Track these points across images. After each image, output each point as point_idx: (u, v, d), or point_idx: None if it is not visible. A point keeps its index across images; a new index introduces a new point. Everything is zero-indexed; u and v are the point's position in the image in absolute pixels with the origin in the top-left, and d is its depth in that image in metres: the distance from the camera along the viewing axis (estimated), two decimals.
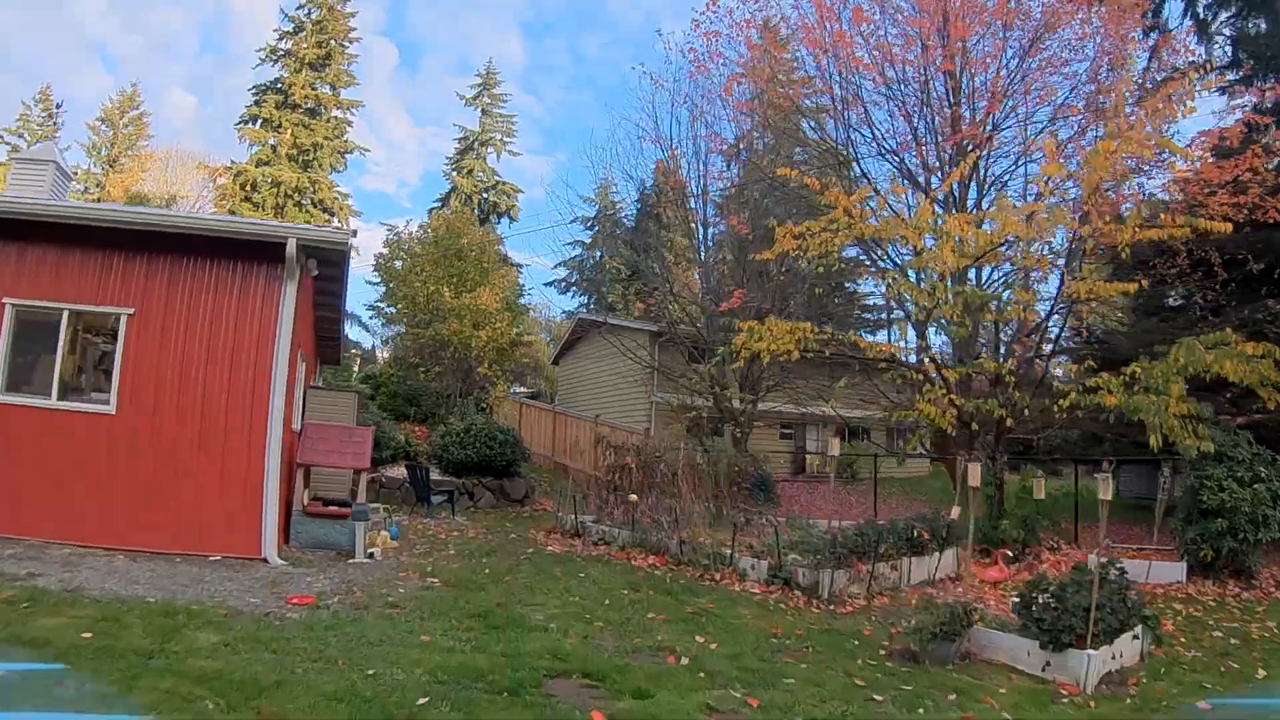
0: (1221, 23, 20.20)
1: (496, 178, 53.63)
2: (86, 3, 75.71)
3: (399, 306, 27.53)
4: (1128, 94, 16.56)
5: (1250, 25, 19.75)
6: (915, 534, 12.34)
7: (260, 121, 46.20)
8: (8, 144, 44.22)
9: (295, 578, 10.14)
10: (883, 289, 23.92)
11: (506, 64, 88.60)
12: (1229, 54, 19.94)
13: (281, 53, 47.19)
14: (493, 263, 28.61)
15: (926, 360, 15.76)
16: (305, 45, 47.03)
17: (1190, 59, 18.68)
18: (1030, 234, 14.06)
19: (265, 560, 10.88)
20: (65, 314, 11.31)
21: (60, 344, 11.24)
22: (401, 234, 28.20)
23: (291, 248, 11.20)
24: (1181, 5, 20.30)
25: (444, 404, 24.92)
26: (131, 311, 11.33)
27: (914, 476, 32.84)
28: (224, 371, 11.42)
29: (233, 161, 45.70)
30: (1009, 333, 18.91)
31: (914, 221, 15.10)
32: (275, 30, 48.10)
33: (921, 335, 15.82)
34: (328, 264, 14.00)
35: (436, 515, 18.54)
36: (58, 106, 48.18)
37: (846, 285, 33.39)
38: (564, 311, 56.10)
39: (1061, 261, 16.26)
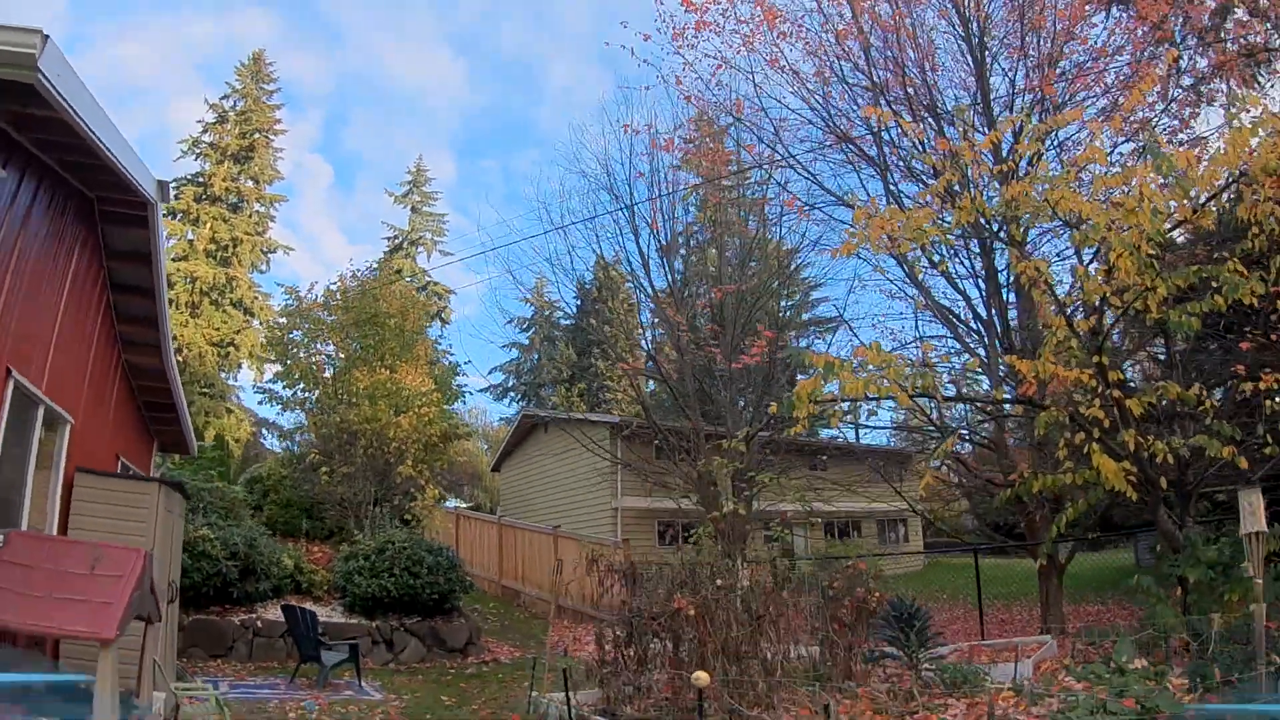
0: None
1: (427, 278, 46.34)
2: None
3: (297, 389, 19.56)
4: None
5: None
6: None
7: (179, 215, 38.67)
8: None
9: None
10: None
11: (442, 184, 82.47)
12: None
13: (204, 144, 40.25)
14: (418, 329, 20.94)
15: (1102, 389, 8.35)
16: (228, 136, 40.23)
17: None
18: None
19: None
20: None
21: None
22: (304, 299, 20.33)
23: None
24: None
25: (354, 515, 16.98)
26: None
27: (909, 573, 26.80)
28: None
29: None
30: None
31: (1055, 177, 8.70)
32: (199, 122, 41.22)
33: (1099, 351, 8.34)
34: (121, 221, 7.09)
35: (332, 682, 10.85)
36: None
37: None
38: (502, 418, 48.52)
39: None
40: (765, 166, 15.66)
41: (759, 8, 13.13)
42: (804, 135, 14.25)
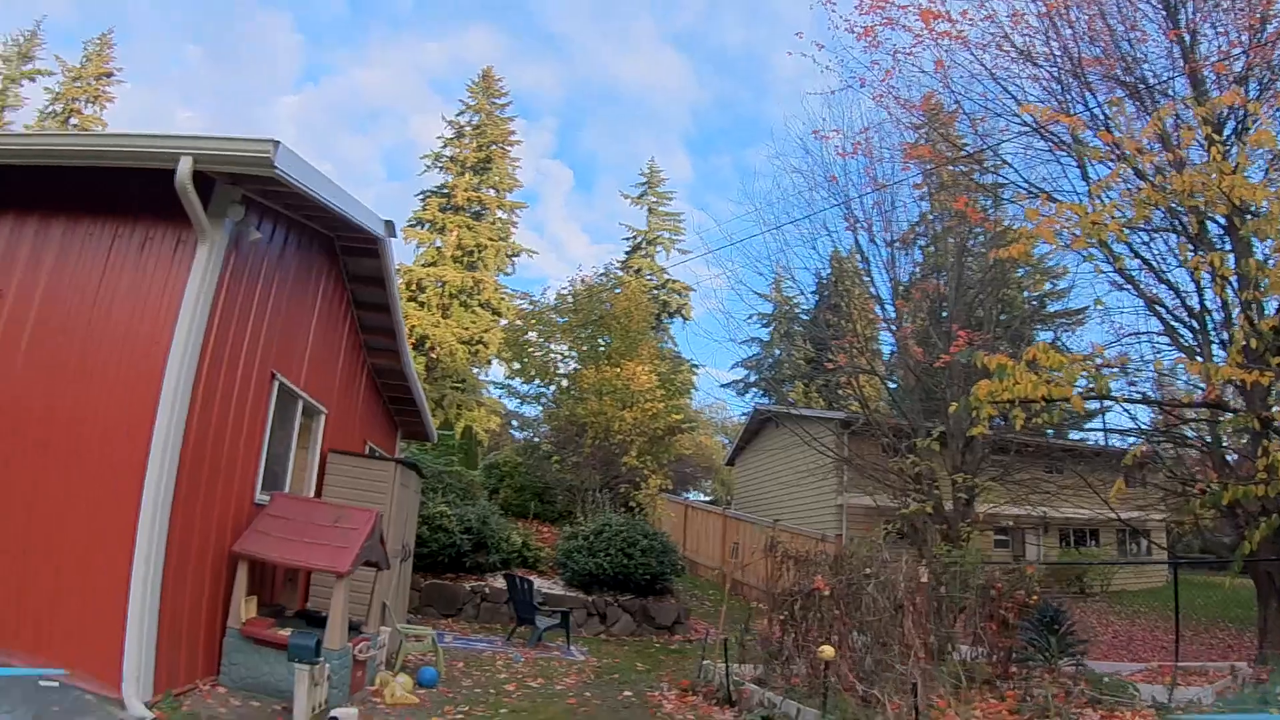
0: None
1: (666, 276, 48.92)
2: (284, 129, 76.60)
3: (533, 384, 22.39)
4: None
5: None
6: None
7: (426, 225, 43.54)
8: None
9: None
10: None
11: (678, 182, 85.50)
12: None
13: (445, 158, 45.13)
14: (643, 330, 23.02)
15: None
16: (466, 150, 44.95)
17: None
18: None
19: (123, 704, 5.72)
20: None
21: None
22: (537, 302, 23.15)
23: (185, 170, 5.98)
24: None
25: (580, 500, 19.25)
26: None
27: (1150, 588, 25.74)
28: (94, 387, 6.44)
29: (400, 264, 42.92)
30: None
31: None
32: (439, 138, 46.26)
33: None
34: (357, 253, 9.32)
35: (545, 644, 12.88)
36: None
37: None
38: (743, 414, 50.29)
39: None
40: (983, 153, 16.03)
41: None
42: (1000, 126, 14.60)
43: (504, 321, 42.95)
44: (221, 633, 7.16)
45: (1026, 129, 14.27)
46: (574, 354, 22.28)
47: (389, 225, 9.48)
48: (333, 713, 6.54)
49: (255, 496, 7.90)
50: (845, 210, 17.89)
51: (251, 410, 7.60)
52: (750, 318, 47.84)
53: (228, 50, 75.37)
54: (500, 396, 37.90)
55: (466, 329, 41.35)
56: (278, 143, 6.00)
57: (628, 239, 50.79)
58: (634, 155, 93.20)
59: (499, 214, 44.77)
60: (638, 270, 48.40)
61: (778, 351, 49.06)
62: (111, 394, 6.29)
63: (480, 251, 43.19)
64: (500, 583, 15.01)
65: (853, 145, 16.42)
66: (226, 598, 7.25)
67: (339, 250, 9.77)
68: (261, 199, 7.15)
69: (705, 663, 10.41)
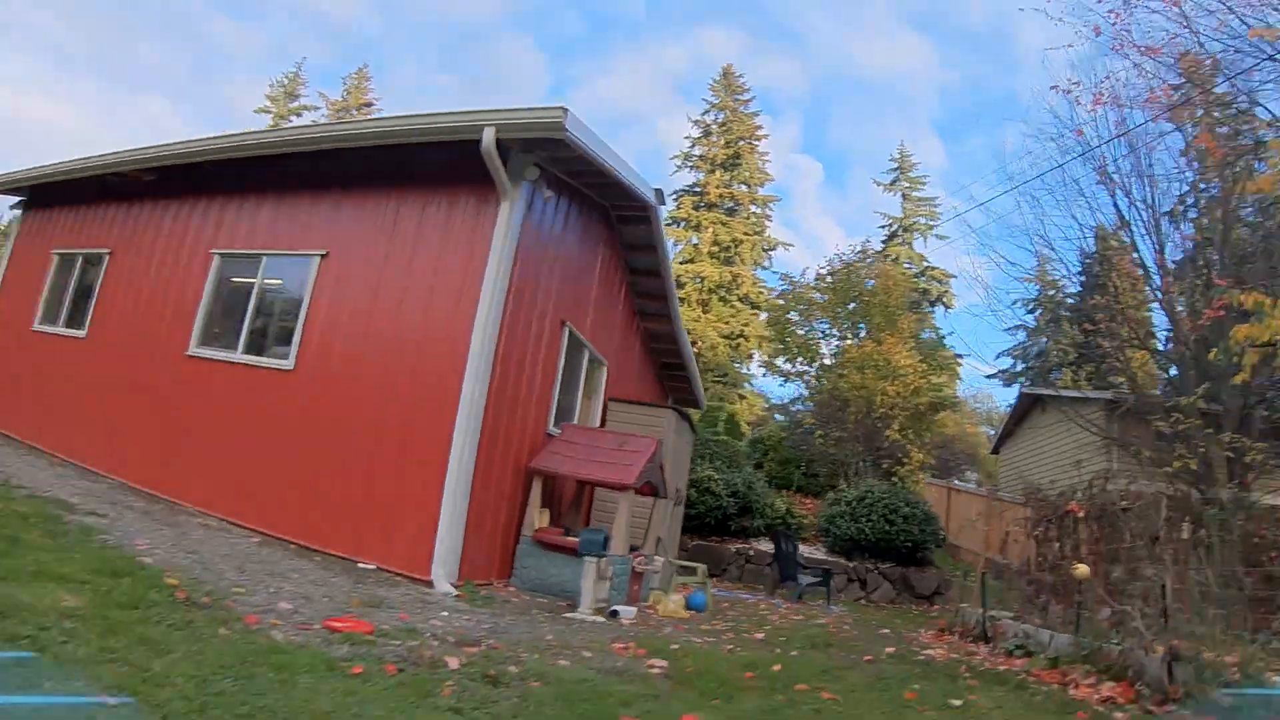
0: None
1: (925, 263, 47.90)
2: None
3: (796, 362, 23.13)
4: None
5: None
6: None
7: (681, 223, 45.13)
8: None
9: (433, 609, 6.20)
10: None
11: (930, 167, 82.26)
12: None
13: (695, 157, 46.64)
14: (901, 305, 23.15)
15: None
16: (714, 148, 46.21)
17: None
18: None
19: (430, 584, 7.05)
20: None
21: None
22: (796, 284, 23.91)
23: (489, 139, 7.15)
24: None
25: (843, 473, 19.67)
26: (324, 253, 8.52)
27: None
28: (408, 329, 7.94)
29: None
30: None
31: None
32: (686, 138, 47.78)
33: None
34: (630, 220, 10.49)
35: (805, 601, 13.45)
36: None
37: None
38: (1007, 405, 48.51)
39: None
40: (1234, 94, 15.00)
41: None
42: (1249, 66, 13.73)
43: (764, 315, 43.87)
44: (515, 541, 8.40)
45: (1268, 58, 13.35)
46: (834, 331, 22.85)
47: (659, 193, 10.48)
48: (614, 606, 7.52)
49: (548, 427, 9.14)
50: (1098, 169, 17.20)
51: (546, 350, 8.82)
52: (1015, 303, 46.03)
53: (476, 75, 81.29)
54: (764, 375, 38.84)
55: (726, 323, 42.44)
56: (567, 109, 7.04)
57: (883, 227, 50.02)
58: (883, 144, 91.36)
59: (752, 209, 45.60)
60: (895, 259, 47.68)
61: (1044, 340, 46.85)
62: (430, 337, 7.64)
63: (736, 246, 44.16)
64: (764, 545, 15.71)
65: (1094, 98, 15.70)
66: (521, 512, 8.49)
67: (613, 219, 10.90)
68: (549, 166, 8.28)
69: (963, 605, 10.67)
